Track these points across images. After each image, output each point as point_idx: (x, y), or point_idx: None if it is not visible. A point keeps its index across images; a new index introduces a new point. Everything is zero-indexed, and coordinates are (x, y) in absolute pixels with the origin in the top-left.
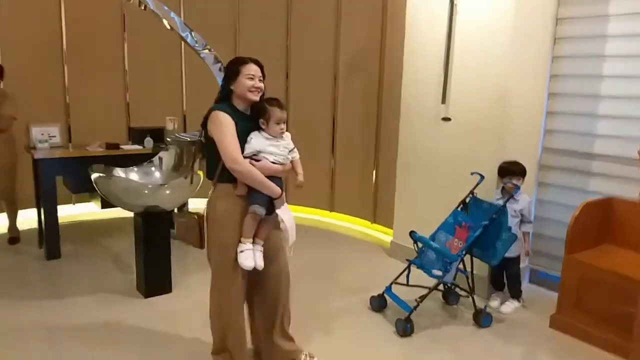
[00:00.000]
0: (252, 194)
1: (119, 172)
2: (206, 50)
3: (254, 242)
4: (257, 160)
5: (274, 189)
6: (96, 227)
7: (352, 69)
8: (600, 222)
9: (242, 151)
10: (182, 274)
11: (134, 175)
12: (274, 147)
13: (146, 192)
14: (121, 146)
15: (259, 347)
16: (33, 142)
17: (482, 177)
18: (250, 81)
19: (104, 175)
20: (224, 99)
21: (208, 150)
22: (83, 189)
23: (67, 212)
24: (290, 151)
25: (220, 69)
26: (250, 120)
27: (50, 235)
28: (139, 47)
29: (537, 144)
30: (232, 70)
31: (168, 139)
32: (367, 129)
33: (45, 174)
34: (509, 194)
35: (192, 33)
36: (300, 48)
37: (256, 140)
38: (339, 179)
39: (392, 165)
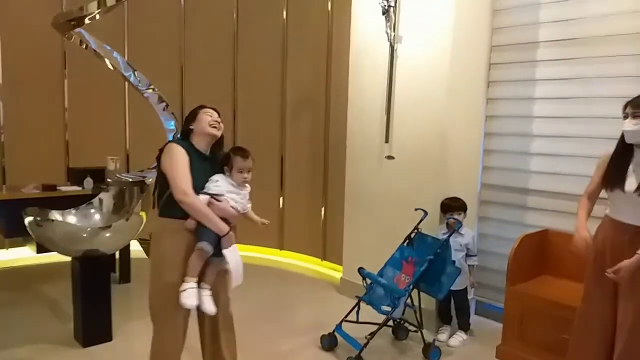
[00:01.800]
0: (201, 231)
1: (55, 215)
2: (150, 90)
3: (200, 286)
4: (218, 200)
5: (221, 225)
6: (32, 272)
7: (299, 109)
8: (538, 254)
9: (199, 189)
10: (123, 321)
11: (71, 218)
12: (236, 195)
13: (85, 235)
14: (59, 187)
15: None
16: None
17: (426, 213)
18: (208, 117)
19: (39, 219)
20: (184, 138)
21: (159, 182)
22: (17, 233)
23: (1, 258)
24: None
25: (164, 109)
26: (209, 160)
27: None
28: (80, 84)
29: (477, 180)
30: (191, 113)
31: (109, 180)
32: (315, 167)
33: None
34: (452, 228)
35: (136, 72)
36: (248, 88)
37: (223, 184)
38: (288, 217)
39: (341, 202)
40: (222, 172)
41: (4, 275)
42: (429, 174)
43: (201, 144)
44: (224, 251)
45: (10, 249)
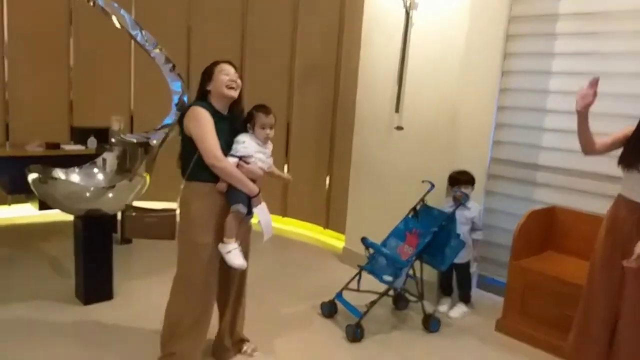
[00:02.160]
0: (233, 193)
1: (59, 173)
2: (157, 50)
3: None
4: (247, 163)
5: (252, 187)
6: (33, 230)
7: (308, 75)
8: (544, 230)
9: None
10: (124, 280)
11: (75, 176)
12: (261, 154)
13: (88, 194)
14: (62, 146)
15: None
16: None
17: (433, 185)
18: (225, 76)
19: (42, 176)
20: (202, 99)
21: (184, 147)
22: (19, 190)
23: (2, 214)
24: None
25: (171, 69)
26: (228, 120)
27: None
28: (85, 42)
29: (486, 154)
30: (206, 71)
31: (113, 140)
32: (322, 135)
33: None
34: (459, 202)
35: (143, 31)
36: (256, 51)
37: (250, 144)
38: (291, 184)
39: (346, 171)
40: (243, 130)
41: (5, 232)
42: (439, 146)
43: (219, 104)
44: (255, 209)
45: (12, 205)
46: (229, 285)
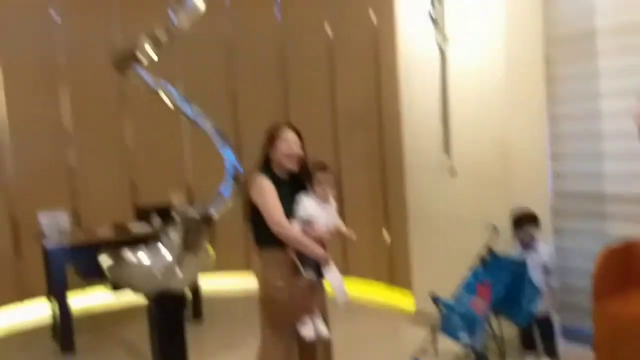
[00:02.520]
0: (300, 258)
1: (128, 255)
2: (206, 121)
3: None
4: (310, 227)
5: (318, 251)
6: (110, 314)
7: (352, 127)
8: (625, 267)
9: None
10: (199, 358)
11: (143, 256)
12: (325, 212)
13: (157, 273)
14: (129, 226)
15: None
16: (42, 229)
17: (495, 228)
18: (285, 146)
19: (113, 259)
20: (263, 165)
21: (252, 215)
22: (94, 275)
23: (80, 301)
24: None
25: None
26: (290, 185)
27: (64, 328)
28: (140, 123)
29: (546, 188)
30: (269, 137)
31: (175, 216)
32: (373, 186)
33: (56, 263)
34: (527, 245)
35: (191, 105)
36: (299, 108)
37: (309, 204)
38: (350, 241)
39: (403, 221)
40: (304, 190)
41: (84, 318)
42: (493, 184)
43: (280, 170)
44: (325, 273)
45: (88, 291)
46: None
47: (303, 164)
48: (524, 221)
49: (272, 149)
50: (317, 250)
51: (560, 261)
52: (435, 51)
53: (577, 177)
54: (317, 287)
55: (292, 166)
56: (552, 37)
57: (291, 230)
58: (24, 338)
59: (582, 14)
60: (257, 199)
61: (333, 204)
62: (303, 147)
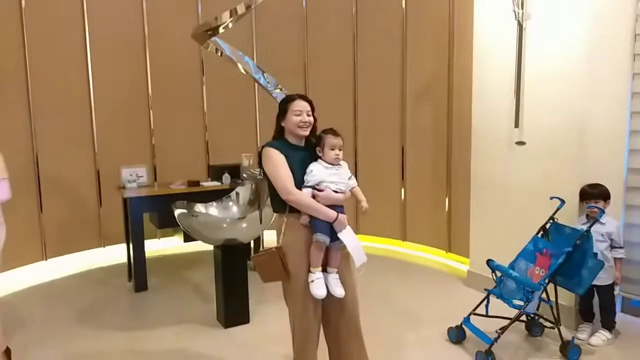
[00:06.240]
0: (313, 223)
1: (199, 207)
2: (278, 90)
3: (326, 271)
4: (320, 190)
5: (328, 213)
6: (179, 260)
7: (420, 96)
8: None
9: (301, 181)
10: (258, 304)
11: (213, 210)
12: (335, 176)
13: (225, 226)
14: (201, 183)
15: None
16: (123, 182)
17: (563, 201)
18: (297, 117)
19: (186, 211)
20: (278, 135)
21: (269, 184)
22: (167, 225)
23: (153, 247)
24: (349, 178)
25: None
26: (304, 150)
27: (138, 269)
28: (216, 89)
29: (622, 164)
30: (281, 108)
31: (244, 175)
32: (438, 156)
33: (134, 211)
34: (593, 218)
35: (265, 74)
36: (368, 80)
37: (317, 170)
38: (410, 207)
39: (466, 192)
40: (316, 157)
41: (156, 262)
42: (566, 159)
43: (294, 139)
44: (339, 234)
45: (161, 239)
46: (335, 320)
47: (314, 129)
48: (593, 195)
49: (285, 119)
50: (326, 212)
51: (630, 236)
52: (513, 26)
53: None
54: (333, 247)
55: (304, 132)
56: None
57: (298, 195)
58: (103, 276)
59: None
60: (266, 168)
61: (344, 166)
62: (313, 115)
